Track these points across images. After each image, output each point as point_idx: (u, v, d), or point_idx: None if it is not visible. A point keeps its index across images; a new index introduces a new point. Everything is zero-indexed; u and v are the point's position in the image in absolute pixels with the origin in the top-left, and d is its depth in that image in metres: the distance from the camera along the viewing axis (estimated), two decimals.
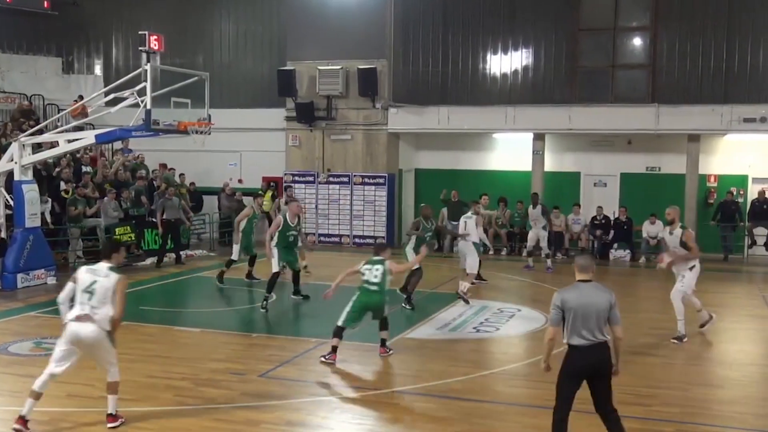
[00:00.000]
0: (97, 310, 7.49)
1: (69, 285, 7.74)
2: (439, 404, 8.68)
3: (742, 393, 9.41)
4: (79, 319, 7.51)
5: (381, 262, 10.47)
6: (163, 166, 22.77)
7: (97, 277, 7.58)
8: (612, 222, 21.20)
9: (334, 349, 10.18)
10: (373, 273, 10.40)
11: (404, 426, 8.07)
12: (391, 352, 10.59)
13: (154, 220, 20.03)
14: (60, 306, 7.78)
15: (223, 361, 10.29)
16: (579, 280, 6.79)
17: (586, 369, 6.68)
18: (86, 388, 8.99)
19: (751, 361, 11.09)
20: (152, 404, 8.49)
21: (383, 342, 10.66)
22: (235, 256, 16.12)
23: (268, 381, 9.52)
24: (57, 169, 18.95)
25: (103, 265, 7.72)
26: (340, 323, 10.34)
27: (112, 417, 7.80)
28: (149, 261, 19.07)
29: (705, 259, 20.66)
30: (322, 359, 10.18)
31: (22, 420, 7.54)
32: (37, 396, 7.62)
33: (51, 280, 16.02)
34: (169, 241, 19.17)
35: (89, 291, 7.54)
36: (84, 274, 7.68)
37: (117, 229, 18.49)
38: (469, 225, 14.88)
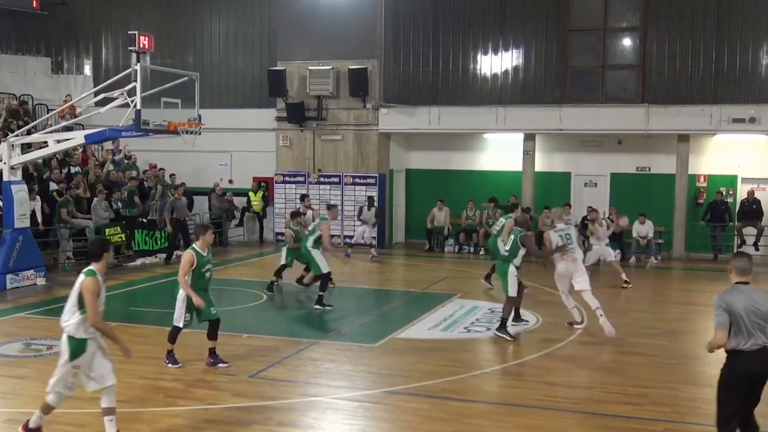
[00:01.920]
0: (65, 315, 7.13)
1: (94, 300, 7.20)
2: (431, 404, 8.68)
3: None
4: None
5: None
6: (154, 166, 22.70)
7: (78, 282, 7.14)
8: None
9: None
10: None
11: (395, 426, 8.06)
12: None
13: (145, 221, 20.00)
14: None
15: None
16: (738, 283, 6.55)
17: (751, 375, 6.44)
18: (78, 389, 8.94)
19: None
20: (143, 405, 8.47)
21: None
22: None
23: (259, 382, 9.50)
24: (47, 172, 18.87)
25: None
26: None
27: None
28: (139, 262, 19.02)
29: (695, 259, 21.02)
30: None
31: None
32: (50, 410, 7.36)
33: (40, 281, 15.94)
34: (179, 239, 19.59)
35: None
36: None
37: (107, 230, 18.42)
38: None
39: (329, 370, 10.04)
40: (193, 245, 9.91)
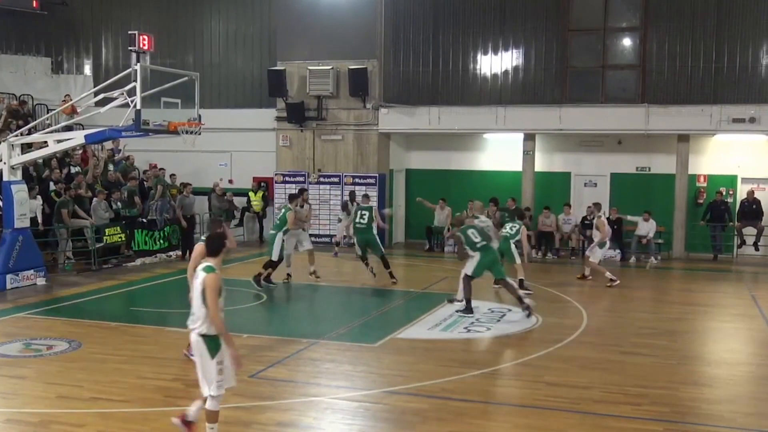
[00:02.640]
0: (194, 317, 7.07)
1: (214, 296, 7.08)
2: (431, 404, 8.68)
3: (731, 392, 9.44)
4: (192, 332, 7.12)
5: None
6: (154, 166, 22.69)
7: (198, 280, 7.03)
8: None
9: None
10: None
11: (395, 426, 8.06)
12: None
13: (145, 221, 20.01)
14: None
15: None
16: None
17: None
18: (75, 390, 8.96)
19: (741, 360, 11.14)
20: (142, 405, 8.46)
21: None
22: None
23: (259, 381, 9.50)
24: (46, 172, 18.86)
25: (201, 266, 7.12)
26: None
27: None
28: (139, 261, 19.03)
29: (695, 259, 21.03)
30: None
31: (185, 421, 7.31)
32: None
33: (40, 281, 15.93)
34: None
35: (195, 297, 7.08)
36: (196, 279, 7.10)
37: (107, 230, 18.43)
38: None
39: (329, 370, 10.04)
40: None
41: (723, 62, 21.28)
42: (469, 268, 13.29)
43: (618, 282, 16.34)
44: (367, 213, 16.56)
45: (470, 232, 13.24)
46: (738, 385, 9.82)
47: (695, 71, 21.50)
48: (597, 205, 17.61)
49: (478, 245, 13.16)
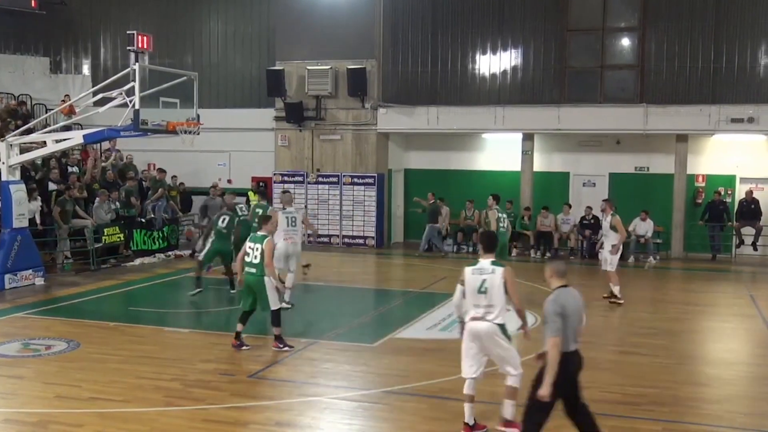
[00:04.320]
0: (493, 308, 7.48)
1: (459, 288, 7.78)
2: (430, 404, 8.68)
3: (730, 392, 9.45)
4: (475, 320, 7.55)
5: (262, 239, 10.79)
6: (158, 169, 22.59)
7: (485, 275, 7.54)
8: (601, 222, 21.22)
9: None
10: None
11: (394, 426, 8.06)
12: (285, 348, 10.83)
13: (143, 221, 19.99)
14: (454, 309, 8.04)
15: (213, 362, 10.26)
16: (561, 286, 6.63)
17: (575, 374, 6.64)
18: (74, 390, 8.96)
19: (739, 360, 11.15)
20: (141, 405, 8.45)
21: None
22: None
23: (258, 382, 9.51)
24: (38, 173, 18.79)
25: (485, 262, 7.65)
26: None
27: (508, 423, 7.66)
28: (138, 261, 19.01)
29: (693, 258, 21.05)
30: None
31: (468, 428, 7.66)
32: (471, 399, 7.68)
33: (39, 281, 15.92)
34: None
35: (485, 293, 7.51)
36: (471, 275, 7.61)
37: (106, 230, 18.41)
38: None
39: (328, 370, 10.03)
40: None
41: (721, 62, 21.28)
42: None
43: (622, 303, 14.43)
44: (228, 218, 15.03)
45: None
46: (736, 384, 9.82)
47: (694, 71, 21.50)
48: (609, 202, 15.29)
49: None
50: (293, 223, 13.81)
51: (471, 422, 7.68)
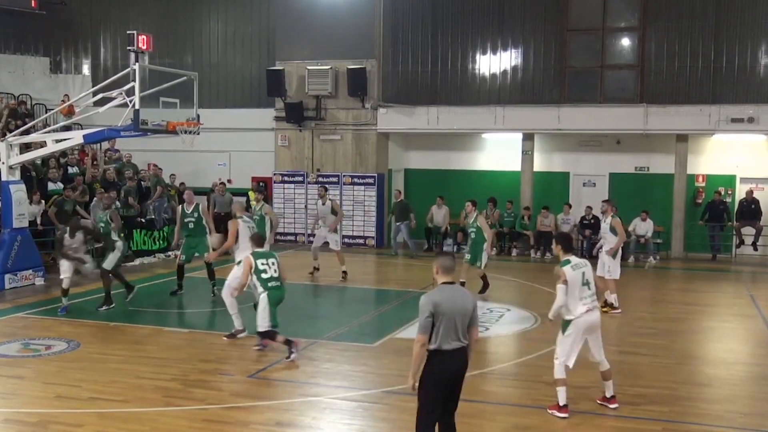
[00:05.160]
0: (596, 297, 8.36)
1: (562, 288, 8.15)
2: None
3: (729, 392, 9.45)
4: (589, 311, 8.21)
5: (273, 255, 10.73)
6: (155, 167, 22.61)
7: (583, 269, 8.28)
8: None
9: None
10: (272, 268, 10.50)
11: (394, 426, 8.07)
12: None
13: (143, 221, 19.97)
14: (556, 309, 8.30)
15: (213, 362, 10.27)
16: (444, 283, 6.46)
17: (451, 374, 6.44)
18: (74, 389, 8.96)
19: (739, 360, 11.14)
20: (141, 405, 8.46)
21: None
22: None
23: (258, 382, 9.50)
24: (44, 169, 18.82)
25: (574, 258, 8.36)
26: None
27: (609, 399, 8.53)
28: (138, 261, 19.02)
29: (693, 258, 21.04)
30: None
31: (558, 407, 8.23)
32: (564, 383, 8.28)
33: (39, 281, 15.93)
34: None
35: (587, 284, 8.24)
36: (572, 272, 8.18)
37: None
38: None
39: (328, 370, 10.03)
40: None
41: (721, 62, 21.29)
42: None
43: (619, 312, 13.75)
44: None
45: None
46: (736, 384, 9.82)
47: (694, 71, 21.50)
48: (610, 203, 14.69)
49: None
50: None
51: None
